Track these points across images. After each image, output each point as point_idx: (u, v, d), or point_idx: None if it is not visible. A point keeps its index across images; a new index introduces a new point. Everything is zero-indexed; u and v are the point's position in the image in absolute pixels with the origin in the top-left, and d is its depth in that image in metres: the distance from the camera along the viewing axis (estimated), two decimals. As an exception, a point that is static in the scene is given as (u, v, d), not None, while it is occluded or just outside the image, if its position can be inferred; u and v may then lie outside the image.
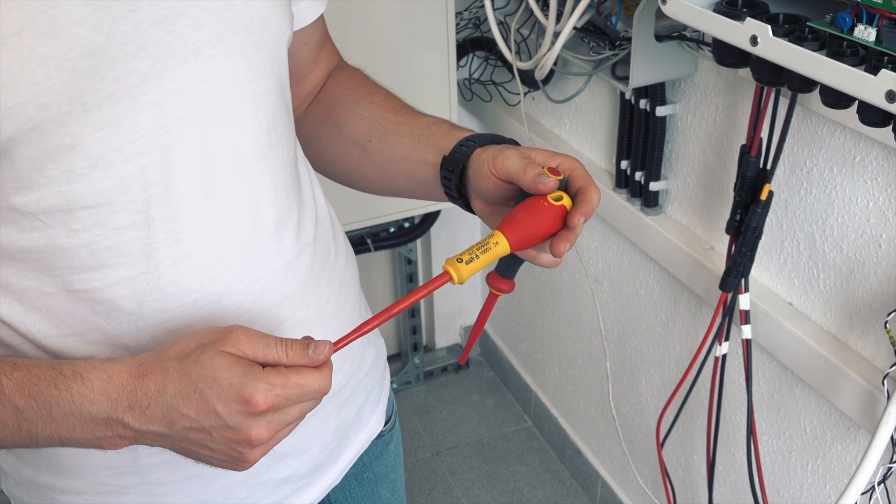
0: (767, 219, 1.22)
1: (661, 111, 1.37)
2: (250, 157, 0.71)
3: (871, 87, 0.68)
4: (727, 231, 1.17)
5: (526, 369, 2.18)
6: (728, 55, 0.83)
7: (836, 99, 0.74)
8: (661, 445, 1.39)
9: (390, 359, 2.33)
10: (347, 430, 0.89)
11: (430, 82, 1.78)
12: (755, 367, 1.32)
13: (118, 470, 0.75)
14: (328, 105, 0.90)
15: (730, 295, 1.21)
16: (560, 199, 0.67)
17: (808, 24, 0.78)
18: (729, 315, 1.23)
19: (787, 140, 1.10)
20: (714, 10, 0.84)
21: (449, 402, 2.27)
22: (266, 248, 0.73)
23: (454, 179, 0.77)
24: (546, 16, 1.39)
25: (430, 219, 2.06)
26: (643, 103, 1.40)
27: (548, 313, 1.98)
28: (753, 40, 0.76)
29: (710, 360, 1.28)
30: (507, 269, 0.73)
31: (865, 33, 0.73)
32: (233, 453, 0.63)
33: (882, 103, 0.67)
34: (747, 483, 1.26)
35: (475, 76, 1.87)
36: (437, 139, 0.80)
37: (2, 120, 0.59)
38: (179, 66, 0.65)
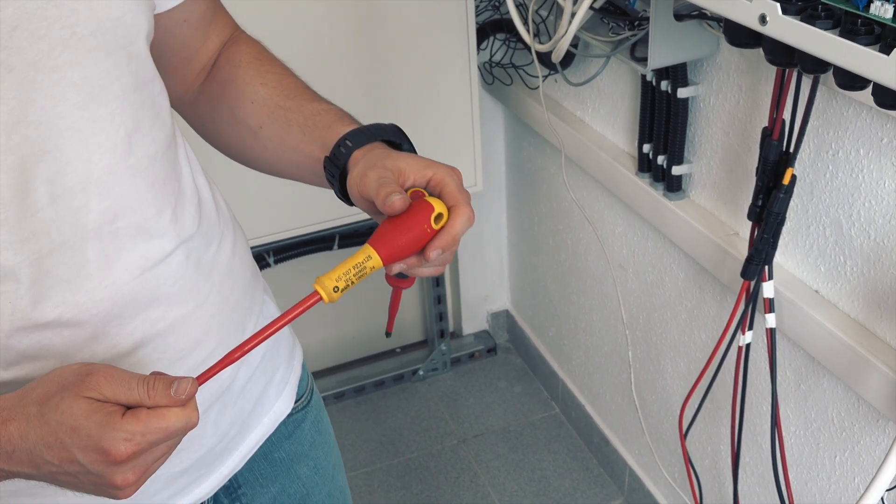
0: (792, 204, 1.18)
1: (682, 93, 1.33)
2: (106, 166, 0.67)
3: (884, 67, 0.64)
4: (749, 217, 1.13)
5: (553, 356, 2.16)
6: (739, 35, 0.79)
7: (849, 80, 0.70)
8: (684, 436, 1.36)
9: (416, 345, 2.34)
10: (247, 418, 0.86)
11: (451, 66, 1.75)
12: (781, 357, 1.28)
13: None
14: (220, 84, 0.85)
15: (753, 283, 1.17)
16: (437, 213, 0.67)
17: (822, 0, 0.74)
18: (752, 303, 1.20)
19: (810, 122, 1.06)
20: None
21: (476, 389, 2.25)
22: (129, 252, 0.70)
23: (336, 184, 0.75)
24: (564, -4, 1.35)
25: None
26: (664, 85, 1.36)
27: (573, 300, 1.94)
28: (762, 19, 0.72)
29: (734, 350, 1.24)
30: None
31: (882, 10, 0.69)
32: (104, 493, 0.62)
33: (892, 82, 0.64)
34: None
35: (495, 59, 1.84)
36: (320, 132, 0.77)
37: None
38: (20, 83, 0.62)
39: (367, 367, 2.27)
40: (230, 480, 0.88)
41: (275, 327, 0.64)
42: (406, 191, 0.68)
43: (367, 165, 0.70)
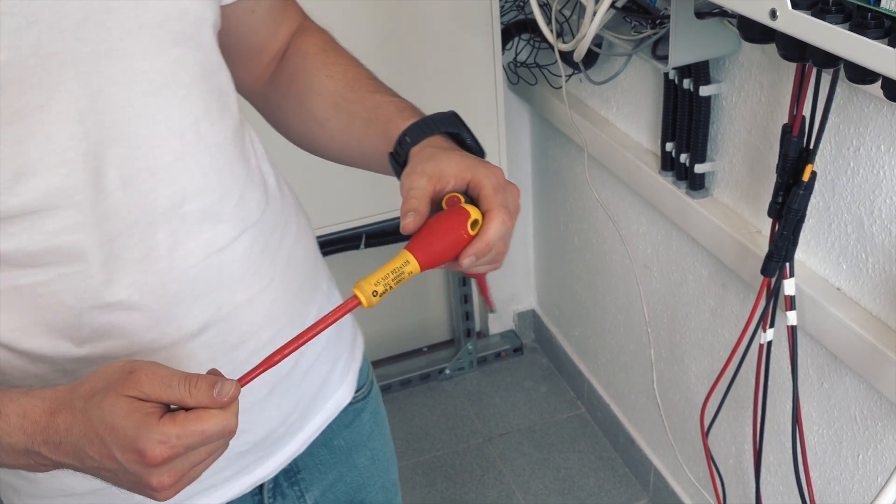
0: (814, 201, 1.18)
1: (704, 91, 1.33)
2: (174, 152, 0.70)
3: (892, 60, 0.64)
4: (769, 214, 1.14)
5: (579, 356, 2.16)
6: (752, 31, 0.80)
7: (860, 74, 0.70)
8: (706, 434, 1.36)
9: (443, 345, 2.35)
10: (310, 403, 0.88)
11: (477, 66, 1.76)
12: (804, 355, 1.28)
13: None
14: (288, 76, 0.87)
15: (773, 280, 1.17)
16: (473, 220, 0.67)
17: (834, -5, 0.75)
18: (774, 301, 1.19)
19: (830, 118, 1.06)
20: (736, -15, 0.81)
21: (502, 388, 2.26)
22: (196, 236, 0.73)
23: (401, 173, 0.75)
24: (586, -5, 1.36)
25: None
26: (686, 83, 1.36)
27: (598, 299, 1.95)
28: (772, 14, 0.73)
29: (756, 348, 1.24)
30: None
31: (893, 4, 0.70)
32: (143, 493, 0.63)
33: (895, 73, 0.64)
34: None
35: (521, 59, 1.85)
36: (382, 125, 0.78)
37: None
38: (89, 73, 0.65)
39: (393, 365, 2.29)
40: (290, 465, 0.90)
41: (313, 332, 0.65)
42: (445, 196, 0.69)
43: (412, 168, 0.71)
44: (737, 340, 1.23)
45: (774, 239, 1.13)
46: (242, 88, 0.84)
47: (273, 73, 0.88)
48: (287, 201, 0.85)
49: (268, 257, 0.79)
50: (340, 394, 0.93)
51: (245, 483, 0.85)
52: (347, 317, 0.88)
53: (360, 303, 0.65)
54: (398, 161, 0.75)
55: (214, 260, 0.74)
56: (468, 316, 2.26)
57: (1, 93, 0.61)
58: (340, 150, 0.86)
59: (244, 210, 0.76)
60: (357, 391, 0.96)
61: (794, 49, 0.76)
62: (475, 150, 0.77)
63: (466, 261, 0.67)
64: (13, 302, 0.68)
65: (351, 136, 0.82)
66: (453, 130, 0.76)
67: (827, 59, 0.73)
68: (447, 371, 2.28)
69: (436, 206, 0.69)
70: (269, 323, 0.80)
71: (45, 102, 0.63)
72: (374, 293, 0.65)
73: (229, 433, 0.61)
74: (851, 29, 0.70)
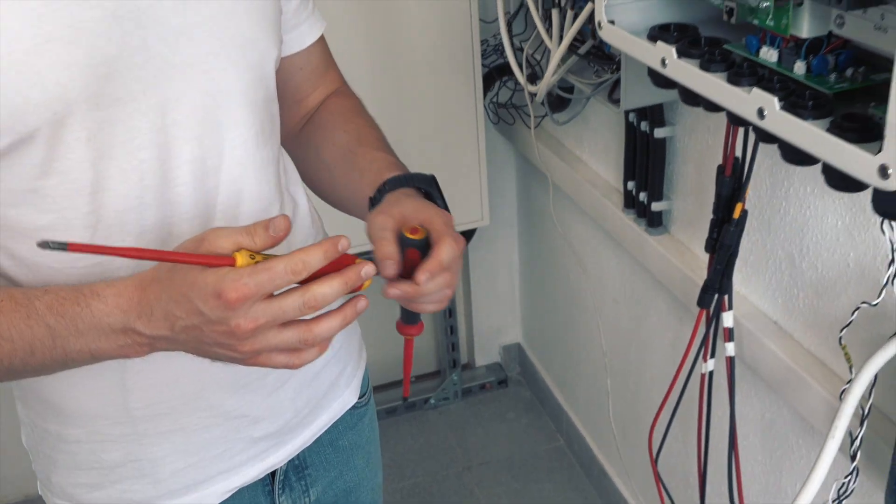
0: (752, 238, 1.25)
1: (659, 133, 1.41)
2: (238, 158, 0.82)
3: (746, 104, 0.72)
4: (706, 249, 1.20)
5: (559, 388, 2.22)
6: (657, 77, 0.87)
7: (735, 119, 0.78)
8: (654, 461, 1.41)
9: (430, 375, 2.42)
10: (320, 400, 0.99)
11: (459, 107, 1.86)
12: (747, 386, 1.33)
13: (111, 420, 0.86)
14: (314, 127, 1.00)
15: (712, 312, 1.24)
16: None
17: (724, 46, 0.82)
18: (714, 332, 1.25)
19: (765, 161, 1.13)
20: (647, 36, 0.89)
21: (485, 419, 2.31)
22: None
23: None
24: (551, 38, 1.45)
25: (466, 237, 2.13)
26: (644, 125, 1.44)
27: (574, 333, 2.01)
28: (662, 62, 0.80)
29: (699, 377, 1.30)
30: (408, 315, 0.81)
31: (768, 54, 0.77)
32: (227, 344, 0.70)
33: (755, 119, 0.71)
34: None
35: (501, 100, 1.94)
36: (373, 176, 0.88)
37: (31, 112, 0.70)
38: (179, 77, 0.77)
39: (380, 394, 2.35)
40: (299, 460, 1.01)
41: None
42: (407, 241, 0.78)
43: (380, 209, 0.81)
44: (677, 369, 1.29)
45: (709, 272, 1.20)
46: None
47: (304, 126, 1.01)
48: (315, 223, 0.98)
49: None
50: (347, 396, 1.04)
51: (259, 468, 0.95)
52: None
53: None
54: (374, 203, 0.85)
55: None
56: (454, 347, 2.33)
57: (108, 80, 0.72)
58: (339, 195, 0.97)
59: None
60: (360, 396, 1.07)
61: (689, 95, 0.83)
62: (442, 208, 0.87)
63: (422, 276, 0.74)
64: (72, 280, 0.77)
65: (348, 182, 0.93)
66: (426, 188, 0.87)
67: (709, 105, 0.80)
68: (432, 401, 2.34)
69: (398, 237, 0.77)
70: None
71: (139, 95, 0.74)
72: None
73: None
74: (729, 77, 0.77)
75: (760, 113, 0.70)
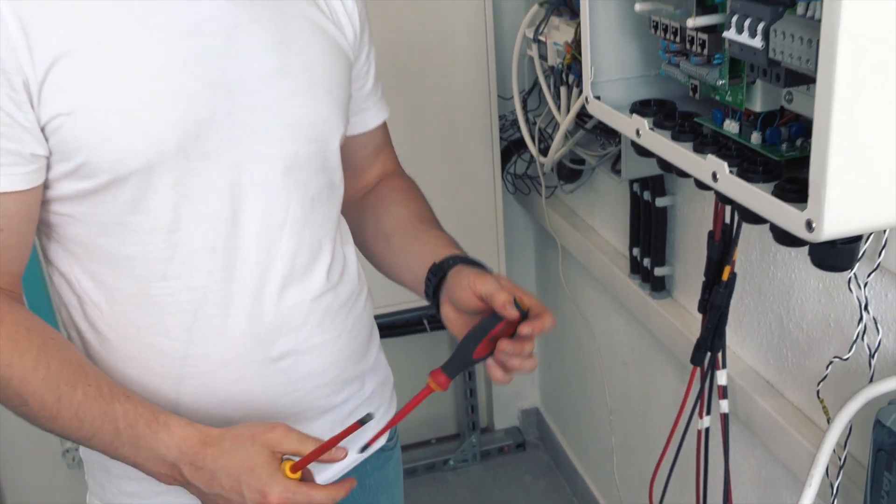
0: (746, 300, 1.32)
1: (660, 202, 1.50)
2: (297, 216, 0.94)
3: (703, 169, 0.81)
4: (699, 309, 1.27)
5: (574, 452, 2.26)
6: (638, 147, 0.97)
7: (699, 184, 0.86)
8: (655, 517, 1.46)
9: (450, 438, 2.48)
10: (354, 436, 1.08)
11: (479, 178, 1.97)
12: (743, 444, 1.38)
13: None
14: (376, 199, 1.13)
15: (706, 370, 1.30)
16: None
17: (695, 119, 0.92)
18: (710, 389, 1.32)
19: (750, 228, 1.20)
20: (629, 110, 0.98)
21: (503, 481, 2.36)
22: (300, 282, 0.96)
23: (433, 283, 0.97)
24: (560, 112, 1.56)
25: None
26: (647, 195, 1.53)
27: (587, 396, 2.07)
28: (637, 132, 0.90)
29: (695, 433, 1.35)
30: (453, 370, 0.89)
31: (731, 126, 0.86)
32: None
33: (710, 182, 0.80)
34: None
35: (518, 171, 2.05)
36: (437, 249, 1.00)
37: (131, 157, 0.84)
38: (257, 142, 0.90)
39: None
40: None
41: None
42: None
43: (477, 273, 0.92)
44: (672, 424, 1.35)
45: (701, 332, 1.27)
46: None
47: (364, 195, 1.14)
48: (361, 277, 1.09)
49: (342, 315, 1.02)
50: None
51: None
52: (390, 378, 1.17)
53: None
54: (442, 269, 0.97)
55: (306, 305, 0.97)
56: (473, 409, 2.39)
57: (198, 137, 0.86)
58: (395, 261, 1.09)
59: (332, 274, 1.00)
60: (388, 440, 1.15)
61: (666, 163, 0.92)
62: None
63: (527, 329, 0.86)
64: (144, 305, 0.90)
65: (409, 251, 1.05)
66: (482, 265, 0.99)
67: (679, 172, 0.89)
68: (451, 462, 2.40)
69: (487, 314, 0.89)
70: (332, 367, 1.02)
71: (221, 153, 0.87)
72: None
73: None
74: (695, 147, 0.86)
75: (714, 176, 0.79)
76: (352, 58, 1.02)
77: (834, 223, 0.65)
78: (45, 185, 0.86)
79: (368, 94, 1.09)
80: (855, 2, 0.59)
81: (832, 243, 0.74)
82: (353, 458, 1.07)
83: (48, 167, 0.85)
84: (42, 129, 0.82)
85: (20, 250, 0.87)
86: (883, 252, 0.96)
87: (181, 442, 0.83)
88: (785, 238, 0.73)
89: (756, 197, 0.74)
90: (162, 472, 0.84)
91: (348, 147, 1.07)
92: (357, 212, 1.14)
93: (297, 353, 0.98)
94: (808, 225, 0.66)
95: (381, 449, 1.13)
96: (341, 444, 0.84)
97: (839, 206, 0.65)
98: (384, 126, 1.14)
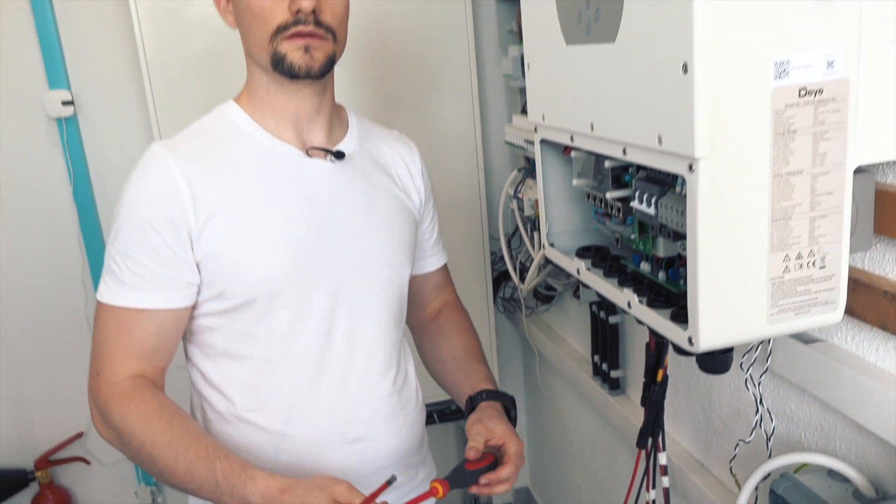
0: (679, 396, 1.40)
1: (612, 319, 1.59)
2: (374, 335, 1.06)
3: (621, 298, 0.91)
4: (641, 403, 1.35)
5: (558, 526, 2.27)
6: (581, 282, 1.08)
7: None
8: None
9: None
10: None
11: (475, 303, 2.07)
12: (684, 514, 1.43)
13: None
14: (435, 329, 1.24)
15: (650, 452, 1.37)
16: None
17: (621, 261, 1.03)
18: (654, 468, 1.38)
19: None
20: (575, 253, 1.10)
21: (499, 550, 2.36)
22: (372, 385, 1.07)
23: (467, 413, 1.09)
24: (534, 249, 1.68)
25: (482, 401, 2.28)
26: (602, 313, 1.63)
27: (565, 474, 2.10)
28: (577, 271, 1.02)
29: (646, 505, 1.40)
30: (455, 482, 0.98)
31: (645, 267, 0.97)
32: None
33: (627, 309, 0.90)
34: None
35: (506, 295, 2.16)
36: (473, 382, 1.12)
37: (257, 286, 0.96)
38: (349, 277, 1.03)
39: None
40: None
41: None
42: (487, 449, 1.00)
43: (479, 417, 1.04)
44: (625, 497, 1.40)
45: (644, 422, 1.34)
46: (408, 323, 1.23)
47: (428, 323, 1.26)
48: (418, 392, 1.18)
49: (403, 415, 1.12)
50: None
51: None
52: (434, 469, 1.23)
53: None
54: (471, 403, 1.08)
55: (380, 401, 1.08)
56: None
57: (306, 269, 0.98)
58: (446, 382, 1.20)
59: (397, 381, 1.10)
60: None
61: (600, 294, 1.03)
62: (513, 419, 1.10)
63: (483, 480, 0.97)
64: (255, 392, 1.00)
65: (455, 379, 1.16)
66: (509, 406, 1.10)
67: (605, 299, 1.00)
68: (457, 536, 2.40)
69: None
70: (393, 454, 1.11)
71: (322, 283, 1.00)
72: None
73: None
74: (619, 282, 0.97)
75: (629, 304, 0.90)
76: (418, 218, 1.15)
77: (707, 339, 0.75)
78: (194, 305, 0.98)
79: (433, 244, 1.22)
80: (708, 189, 0.72)
81: (712, 353, 0.84)
82: None
83: (198, 291, 0.97)
84: (196, 264, 0.95)
85: (169, 351, 0.99)
86: (769, 358, 1.06)
87: (264, 489, 0.89)
88: (680, 350, 0.83)
89: (657, 320, 0.84)
90: None
91: (416, 284, 1.19)
92: (422, 336, 1.25)
93: (367, 439, 1.07)
94: (690, 340, 0.77)
95: None
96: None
97: (710, 326, 0.75)
98: (444, 268, 1.26)
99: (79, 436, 2.09)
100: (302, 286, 0.99)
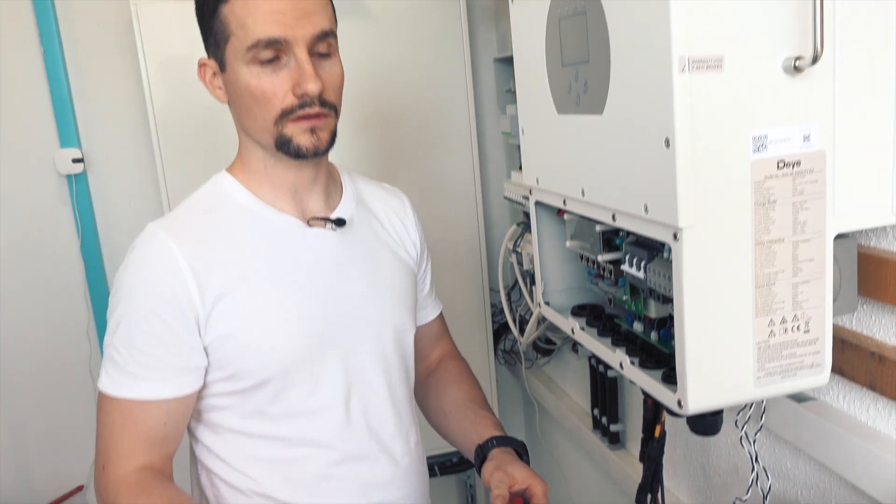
0: (678, 452, 1.40)
1: (611, 373, 1.60)
2: (384, 393, 1.06)
3: (613, 359, 0.93)
4: (640, 459, 1.35)
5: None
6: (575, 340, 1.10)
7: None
8: None
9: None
10: None
11: (477, 357, 2.08)
12: (685, 571, 1.42)
13: None
14: (436, 380, 1.24)
15: (648, 509, 1.37)
16: None
17: (615, 320, 1.05)
18: (653, 525, 1.37)
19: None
20: (570, 312, 1.12)
21: None
22: (387, 446, 1.07)
23: (478, 462, 1.08)
24: (533, 302, 1.70)
25: (483, 453, 2.27)
26: (601, 367, 1.64)
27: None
28: (572, 330, 1.03)
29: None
30: None
31: (637, 327, 0.99)
32: None
33: (620, 370, 0.92)
34: None
35: (505, 347, 2.17)
36: (480, 430, 1.11)
37: (268, 366, 0.95)
38: (356, 341, 1.03)
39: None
40: None
41: None
42: (513, 494, 1.00)
43: (496, 465, 1.03)
44: (625, 554, 1.39)
45: (642, 477, 1.34)
46: None
47: (428, 375, 1.25)
48: (423, 454, 1.18)
49: (415, 471, 1.12)
50: None
51: None
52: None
53: None
54: (482, 452, 1.07)
55: (395, 465, 1.08)
56: (477, 544, 2.39)
57: (314, 344, 0.98)
58: (451, 432, 1.18)
59: (407, 442, 1.11)
60: None
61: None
62: (526, 462, 1.09)
63: None
64: (259, 466, 0.99)
65: (461, 428, 1.15)
66: (520, 450, 1.10)
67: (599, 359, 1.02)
68: (459, 589, 2.37)
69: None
70: None
71: (331, 350, 0.99)
72: None
73: None
74: (612, 342, 0.99)
75: (621, 365, 0.91)
76: (415, 270, 1.16)
77: (696, 402, 0.77)
78: (203, 385, 0.97)
79: (427, 295, 1.22)
80: (692, 257, 0.74)
81: (702, 416, 0.86)
82: None
83: (206, 373, 0.96)
84: (205, 348, 0.94)
85: (177, 438, 0.97)
86: (763, 416, 1.07)
87: None
88: (671, 411, 0.85)
89: (648, 382, 0.86)
90: None
91: (414, 336, 1.18)
92: (422, 388, 1.24)
93: (396, 496, 1.07)
94: (679, 403, 0.78)
95: None
96: None
97: (698, 390, 0.77)
98: (441, 318, 1.26)
99: (79, 489, 2.09)
100: (315, 360, 0.98)
